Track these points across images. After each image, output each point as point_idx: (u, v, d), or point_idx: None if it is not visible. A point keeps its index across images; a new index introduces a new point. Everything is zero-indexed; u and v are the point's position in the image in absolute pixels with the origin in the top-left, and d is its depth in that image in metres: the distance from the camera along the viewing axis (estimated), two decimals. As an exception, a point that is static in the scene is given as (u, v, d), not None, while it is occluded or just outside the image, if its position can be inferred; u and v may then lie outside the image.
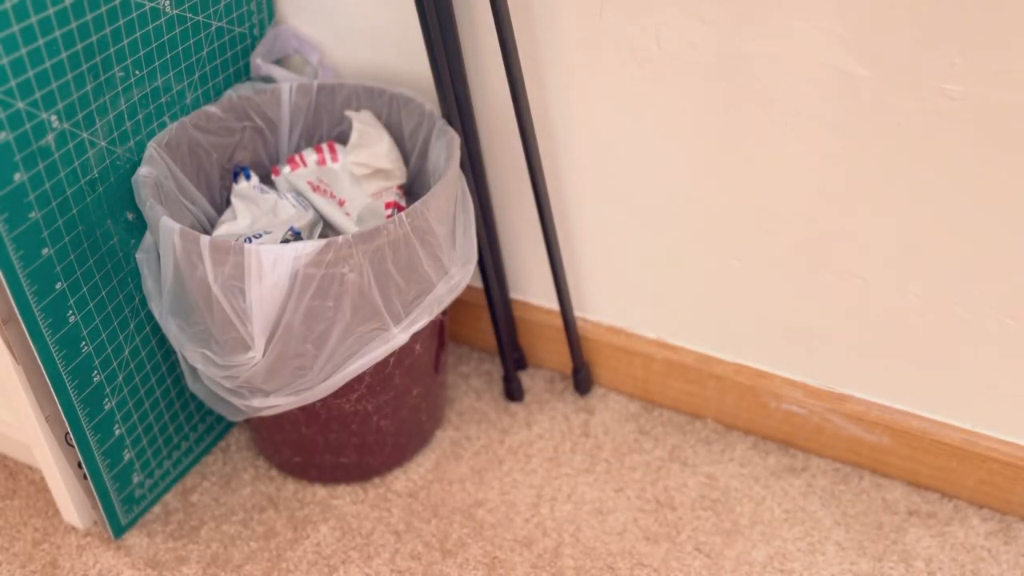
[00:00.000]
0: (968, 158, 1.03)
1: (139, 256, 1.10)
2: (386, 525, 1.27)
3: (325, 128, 1.28)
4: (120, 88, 1.04)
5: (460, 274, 1.13)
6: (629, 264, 1.33)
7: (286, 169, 1.24)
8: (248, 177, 1.22)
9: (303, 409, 1.19)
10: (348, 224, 1.19)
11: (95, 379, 1.12)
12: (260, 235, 1.11)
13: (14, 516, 1.29)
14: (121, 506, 1.23)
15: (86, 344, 1.09)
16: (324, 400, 1.17)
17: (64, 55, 0.94)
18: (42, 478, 1.34)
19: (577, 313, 1.43)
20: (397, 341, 1.08)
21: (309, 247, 0.97)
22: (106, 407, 1.15)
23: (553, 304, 1.43)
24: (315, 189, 1.22)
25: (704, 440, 1.37)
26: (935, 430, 1.25)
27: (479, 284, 1.44)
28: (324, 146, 1.25)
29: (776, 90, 1.08)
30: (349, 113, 1.24)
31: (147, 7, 1.04)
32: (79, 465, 1.17)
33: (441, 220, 1.08)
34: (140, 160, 1.10)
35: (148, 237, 1.10)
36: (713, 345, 1.35)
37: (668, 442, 1.37)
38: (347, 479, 1.32)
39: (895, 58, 1.00)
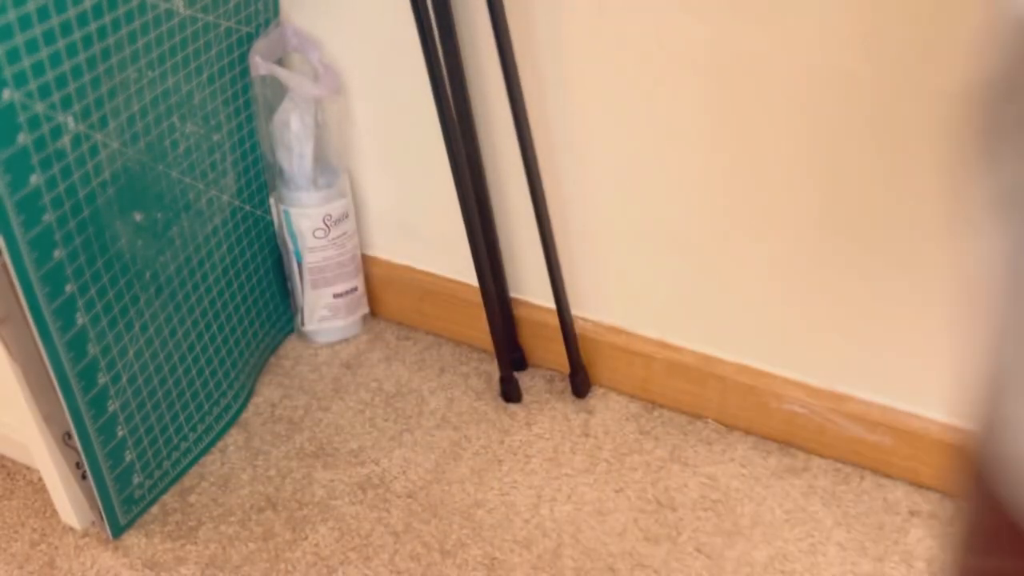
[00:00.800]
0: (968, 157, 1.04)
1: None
2: (385, 526, 1.29)
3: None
4: (134, 89, 1.06)
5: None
6: (630, 264, 1.35)
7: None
8: None
9: None
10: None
11: (100, 381, 1.13)
12: None
13: (12, 516, 1.30)
14: (121, 507, 1.25)
15: (93, 346, 1.10)
16: None
17: (83, 56, 0.96)
18: (40, 478, 1.35)
19: (577, 313, 1.45)
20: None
21: None
22: (110, 409, 1.17)
23: (552, 303, 1.45)
24: None
25: (705, 440, 1.40)
26: (936, 430, 1.27)
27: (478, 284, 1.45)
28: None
29: (776, 90, 1.10)
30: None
31: (162, 8, 1.05)
32: (77, 465, 1.18)
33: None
34: (148, 161, 1.11)
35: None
36: (714, 345, 1.38)
37: (668, 442, 1.39)
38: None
39: (895, 58, 1.01)
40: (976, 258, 0.38)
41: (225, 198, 1.32)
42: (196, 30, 1.13)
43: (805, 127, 1.11)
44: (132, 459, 1.23)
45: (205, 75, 1.19)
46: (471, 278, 1.46)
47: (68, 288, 1.04)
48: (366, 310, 1.60)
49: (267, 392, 1.50)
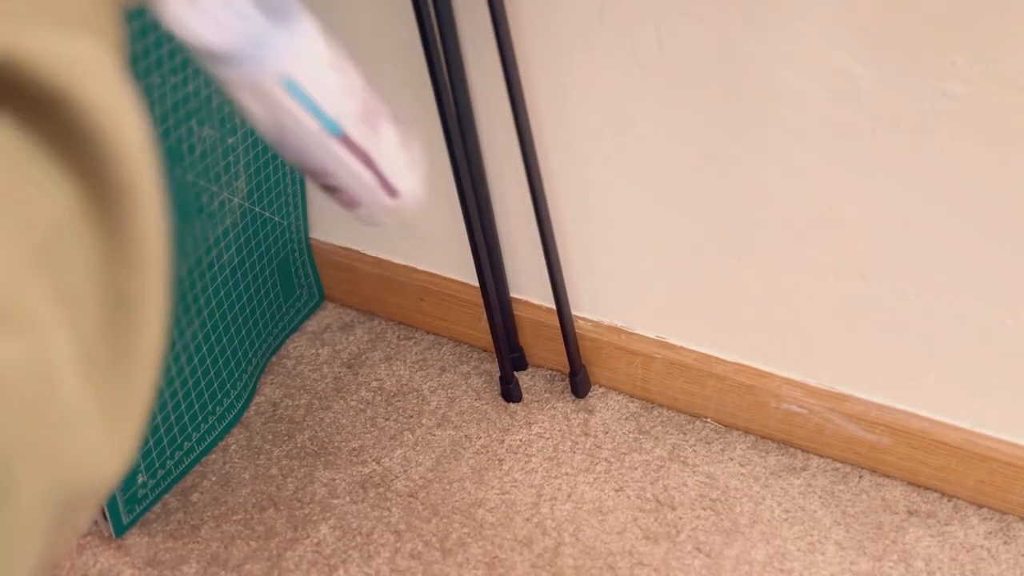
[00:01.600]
0: (969, 158, 1.06)
1: None
2: (386, 524, 1.32)
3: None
4: (156, 96, 1.08)
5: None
6: (629, 263, 1.37)
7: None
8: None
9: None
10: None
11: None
12: None
13: (14, 516, 1.33)
14: (124, 506, 1.28)
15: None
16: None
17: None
18: (42, 478, 1.37)
19: (577, 312, 1.47)
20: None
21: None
22: (113, 408, 1.19)
23: (553, 303, 1.46)
24: None
25: (704, 439, 1.42)
26: (935, 429, 1.28)
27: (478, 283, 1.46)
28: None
29: (776, 90, 1.11)
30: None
31: (187, 10, 1.08)
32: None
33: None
34: (166, 165, 1.14)
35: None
36: (713, 344, 1.39)
37: (668, 441, 1.42)
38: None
39: (895, 58, 1.03)
40: None
41: (236, 200, 1.34)
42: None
43: (806, 127, 1.12)
44: (136, 458, 1.26)
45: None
46: (471, 278, 1.48)
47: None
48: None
49: (269, 392, 1.53)
